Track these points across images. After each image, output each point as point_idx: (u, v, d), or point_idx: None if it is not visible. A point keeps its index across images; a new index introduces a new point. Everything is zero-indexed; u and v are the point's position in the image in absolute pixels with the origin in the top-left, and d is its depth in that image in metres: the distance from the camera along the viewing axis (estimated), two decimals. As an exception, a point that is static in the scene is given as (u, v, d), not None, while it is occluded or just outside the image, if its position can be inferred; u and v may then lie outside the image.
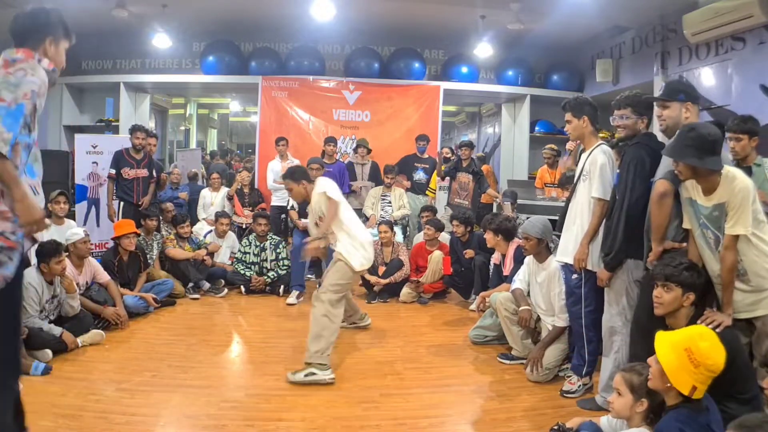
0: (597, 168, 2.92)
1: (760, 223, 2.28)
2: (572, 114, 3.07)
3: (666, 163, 2.51)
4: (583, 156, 3.11)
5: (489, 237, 4.53)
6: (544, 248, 3.52)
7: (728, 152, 3.16)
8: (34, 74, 1.94)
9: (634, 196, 2.67)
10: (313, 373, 3.22)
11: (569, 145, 5.60)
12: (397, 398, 3.07)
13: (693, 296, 2.23)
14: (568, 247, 3.07)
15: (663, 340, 1.92)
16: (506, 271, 4.44)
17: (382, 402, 3.02)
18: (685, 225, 2.46)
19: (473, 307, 4.46)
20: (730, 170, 2.30)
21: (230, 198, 6.73)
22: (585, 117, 3.05)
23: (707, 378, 1.84)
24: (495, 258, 4.73)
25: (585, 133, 3.07)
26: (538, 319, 3.59)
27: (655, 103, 2.75)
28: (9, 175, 1.82)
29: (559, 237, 3.26)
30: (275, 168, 6.47)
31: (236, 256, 5.58)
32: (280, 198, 6.27)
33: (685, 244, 2.49)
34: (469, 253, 5.17)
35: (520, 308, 3.57)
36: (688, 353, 1.83)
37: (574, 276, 3.06)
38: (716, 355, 1.84)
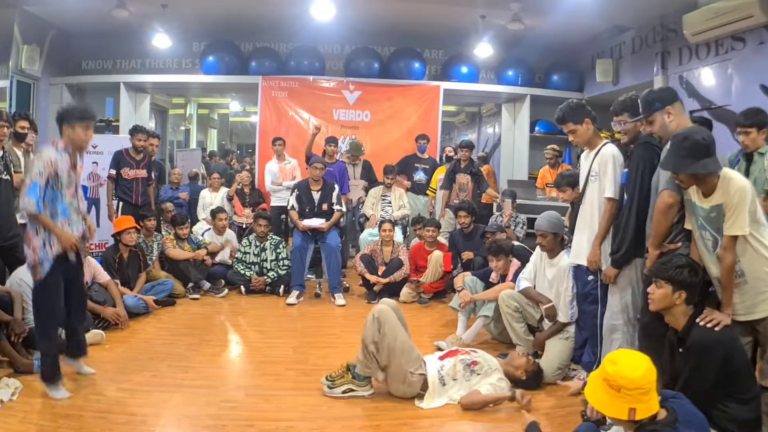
0: (608, 168, 2.92)
1: (759, 226, 2.27)
2: (573, 122, 3.02)
3: (668, 172, 2.50)
4: (588, 156, 3.11)
5: (501, 263, 4.11)
6: (558, 243, 3.49)
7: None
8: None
9: (642, 196, 2.67)
10: (352, 389, 3.05)
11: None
12: (396, 398, 3.06)
13: (685, 294, 2.19)
14: (582, 248, 3.07)
15: (590, 377, 1.94)
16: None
17: (381, 402, 3.02)
18: (687, 226, 2.46)
19: (453, 304, 4.13)
20: (727, 172, 2.31)
21: (230, 198, 6.72)
22: (587, 120, 3.02)
23: (639, 395, 1.75)
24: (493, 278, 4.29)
25: (591, 136, 3.06)
26: (541, 318, 3.58)
27: None
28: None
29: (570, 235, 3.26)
30: (272, 169, 6.46)
31: (236, 256, 5.57)
32: (280, 198, 6.28)
33: (680, 244, 2.50)
34: (467, 254, 5.17)
35: (546, 305, 3.44)
36: (606, 382, 1.80)
37: (590, 278, 3.07)
38: (629, 373, 1.77)
